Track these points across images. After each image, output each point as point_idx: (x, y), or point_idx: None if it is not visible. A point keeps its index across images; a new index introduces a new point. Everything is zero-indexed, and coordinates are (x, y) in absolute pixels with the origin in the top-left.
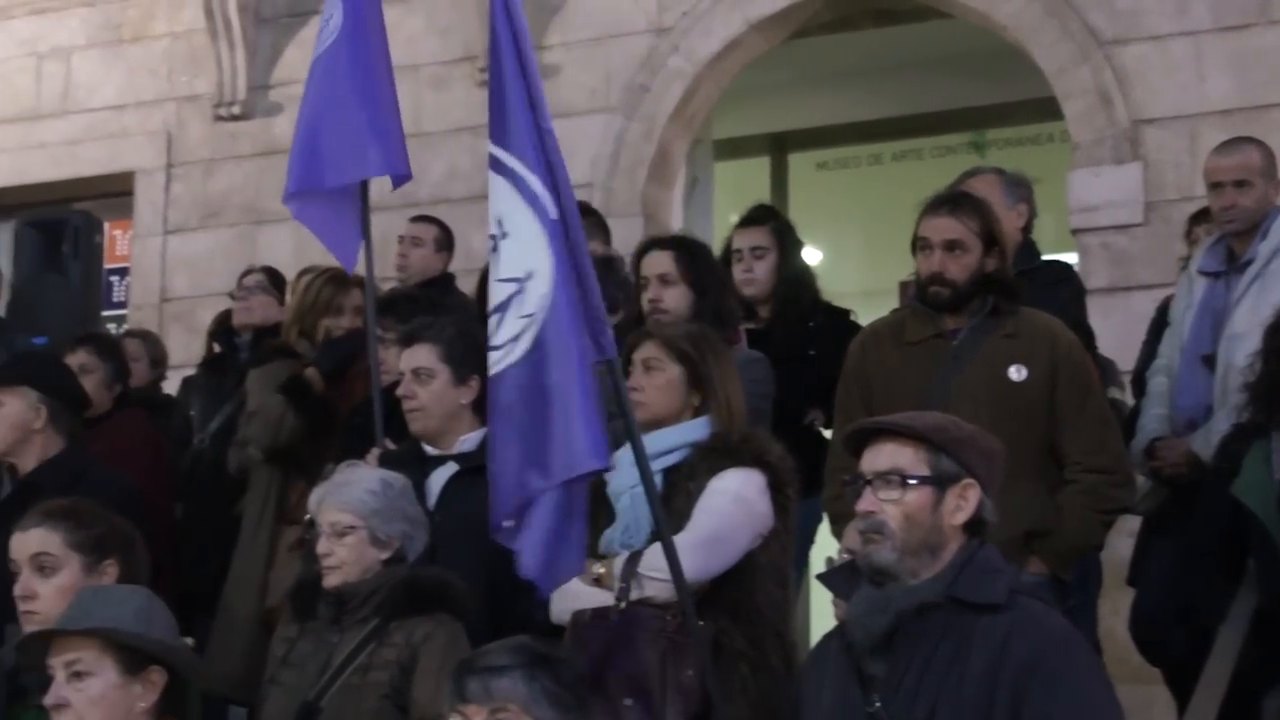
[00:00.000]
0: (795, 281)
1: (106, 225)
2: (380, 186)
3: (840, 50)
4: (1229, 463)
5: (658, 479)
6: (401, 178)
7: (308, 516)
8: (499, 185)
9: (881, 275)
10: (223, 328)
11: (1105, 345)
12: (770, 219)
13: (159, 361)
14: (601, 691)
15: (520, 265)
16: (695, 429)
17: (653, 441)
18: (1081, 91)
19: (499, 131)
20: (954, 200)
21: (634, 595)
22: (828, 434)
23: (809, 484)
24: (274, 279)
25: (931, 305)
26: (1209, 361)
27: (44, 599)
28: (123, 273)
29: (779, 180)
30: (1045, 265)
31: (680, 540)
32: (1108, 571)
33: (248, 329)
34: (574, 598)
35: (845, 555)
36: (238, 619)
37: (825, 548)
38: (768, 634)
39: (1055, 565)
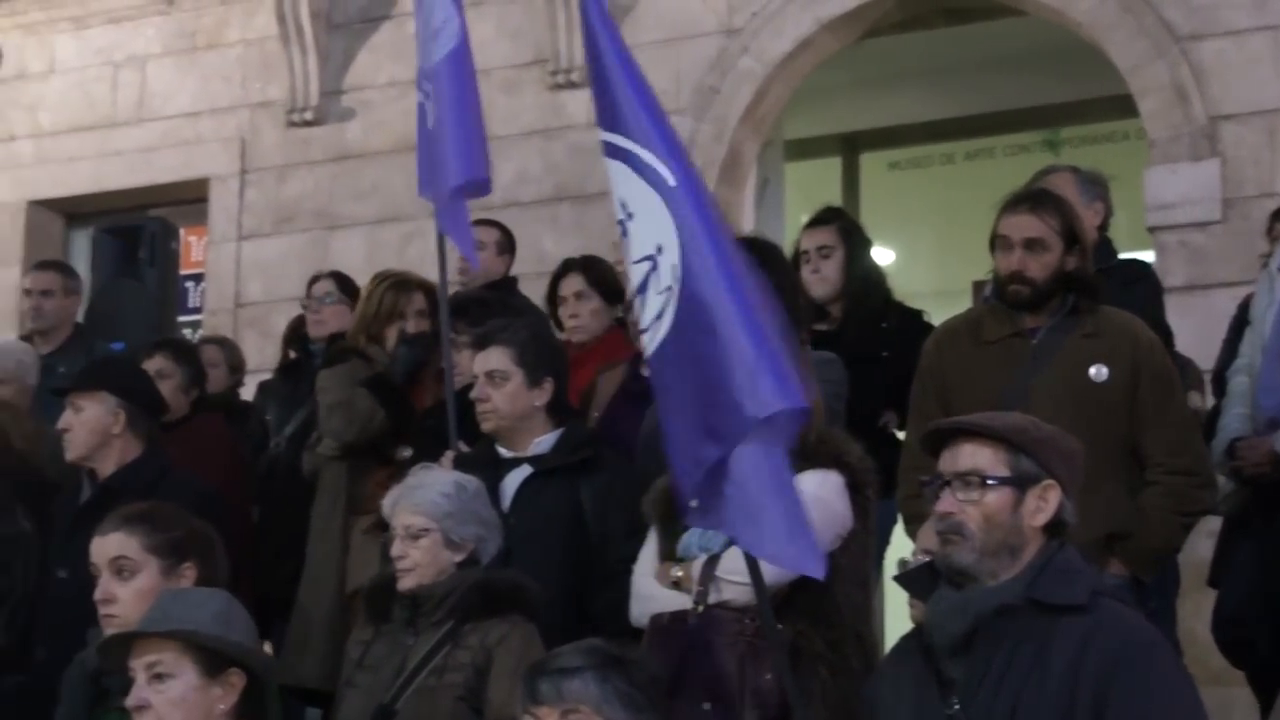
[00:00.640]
0: (863, 280)
1: (182, 231)
2: None
3: (912, 49)
4: None
5: None
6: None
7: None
8: (617, 170)
9: (954, 275)
10: (297, 334)
11: (1183, 344)
12: (836, 219)
13: (237, 368)
14: (680, 695)
15: (649, 242)
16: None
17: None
18: (1157, 88)
19: (608, 118)
20: (1035, 198)
21: (712, 599)
22: (901, 436)
23: (884, 485)
24: (343, 285)
25: (1011, 304)
26: None
27: (123, 602)
28: (198, 279)
29: (850, 181)
30: (1122, 264)
31: None
32: (1187, 573)
33: (322, 340)
34: (652, 601)
35: (921, 556)
36: (315, 613)
37: (899, 549)
38: (847, 637)
39: (1136, 567)
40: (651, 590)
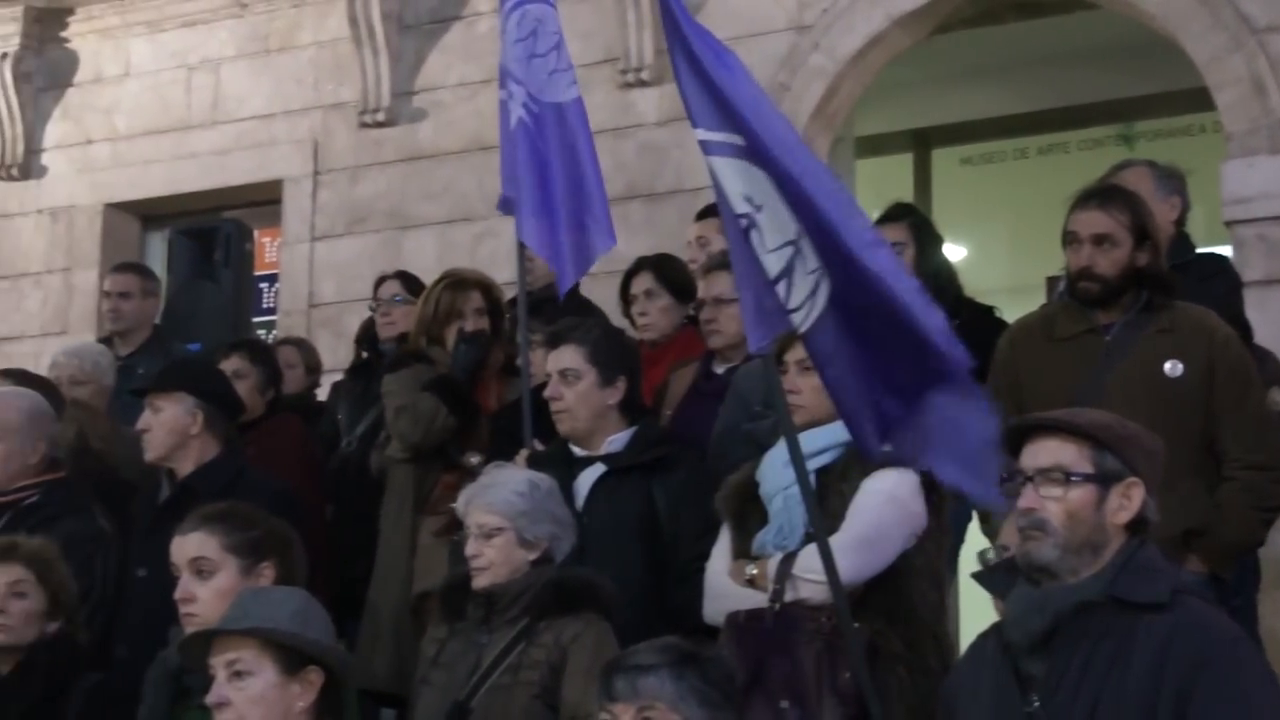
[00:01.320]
0: (934, 277)
1: (256, 233)
2: None
3: (984, 44)
4: None
5: (810, 480)
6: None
7: (454, 505)
8: (728, 166)
9: (1028, 271)
10: (369, 334)
11: (1262, 338)
12: (907, 215)
13: (314, 368)
14: (757, 693)
15: (787, 228)
16: (846, 430)
17: (806, 441)
18: (1234, 81)
19: (705, 116)
20: (1103, 194)
21: (788, 597)
22: None
23: None
24: (410, 285)
25: (1081, 300)
26: None
27: (203, 601)
28: (271, 279)
29: (922, 177)
30: (1200, 259)
31: (835, 541)
32: (1267, 569)
33: (392, 340)
34: (726, 599)
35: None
36: (384, 613)
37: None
38: (925, 636)
39: (1215, 564)
40: (726, 588)
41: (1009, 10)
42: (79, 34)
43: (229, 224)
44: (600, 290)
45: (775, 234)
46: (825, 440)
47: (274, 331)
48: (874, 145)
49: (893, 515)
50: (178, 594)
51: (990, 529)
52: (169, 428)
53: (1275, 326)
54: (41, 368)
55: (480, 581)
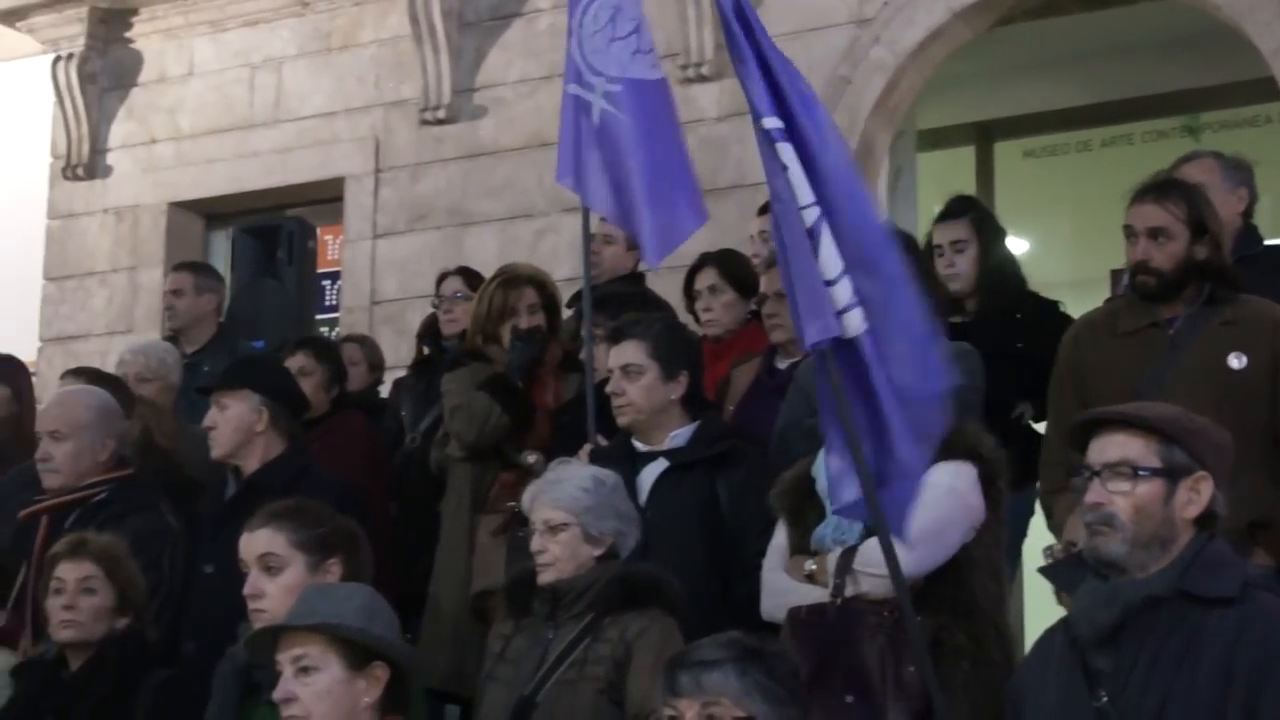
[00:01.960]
0: (998, 272)
1: (318, 230)
2: None
3: (1046, 36)
4: None
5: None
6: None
7: (511, 504)
8: (789, 153)
9: (1092, 264)
10: (431, 330)
11: None
12: (968, 210)
13: (377, 366)
14: (821, 688)
15: None
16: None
17: None
18: None
19: (770, 106)
20: (1160, 187)
21: (849, 592)
22: (1037, 427)
23: (1019, 477)
24: (471, 282)
25: (1140, 294)
26: None
27: (271, 597)
28: (334, 277)
29: (984, 170)
30: (1268, 250)
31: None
32: None
33: (454, 337)
34: (786, 594)
35: (1069, 548)
36: (444, 611)
37: (1039, 541)
38: (987, 628)
39: None
40: (784, 584)
41: (1072, 1)
42: (143, 34)
43: (292, 222)
44: (664, 285)
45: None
46: None
47: (336, 329)
48: (936, 139)
49: (952, 508)
50: (246, 590)
51: (1055, 524)
52: (234, 425)
53: None
54: (108, 366)
55: (546, 577)
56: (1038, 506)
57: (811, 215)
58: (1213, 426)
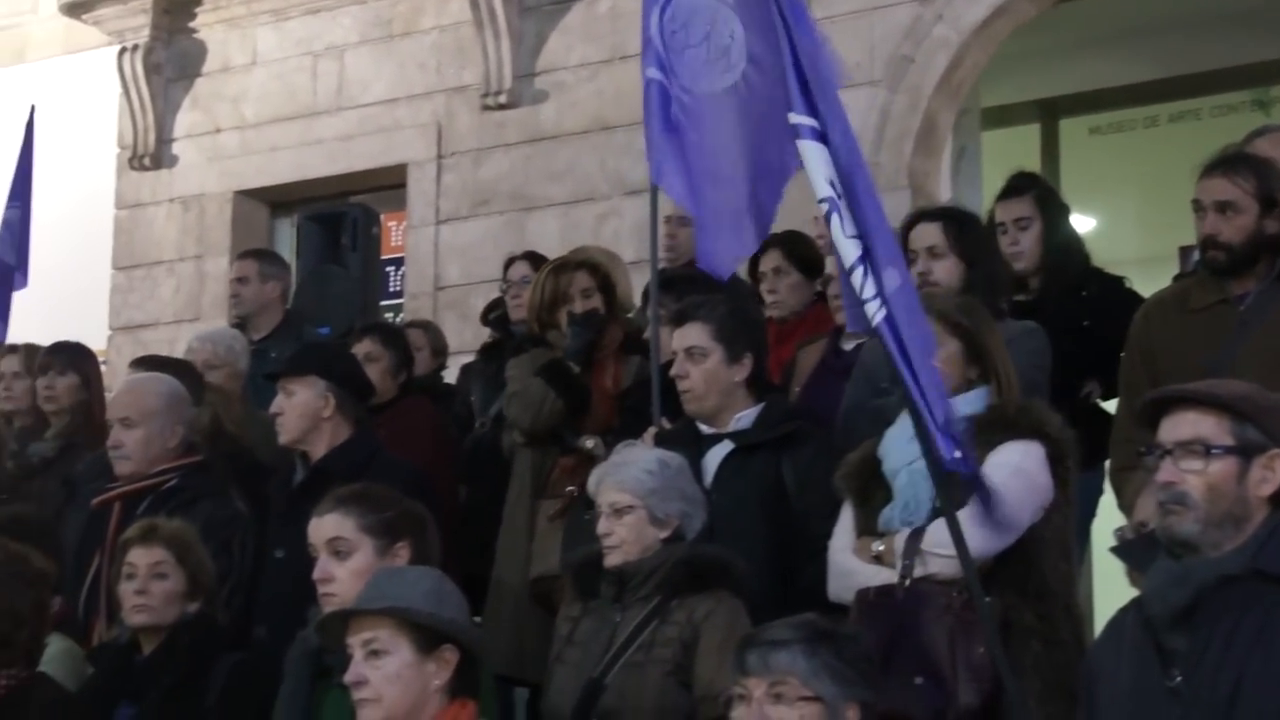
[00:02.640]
0: (1063, 249)
1: (382, 217)
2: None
3: (1112, 10)
4: None
5: None
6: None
7: (570, 489)
8: (812, 150)
9: (1160, 241)
10: (497, 315)
11: None
12: (1031, 187)
13: (440, 351)
14: (890, 670)
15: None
16: (972, 402)
17: None
18: None
19: (801, 102)
20: (1229, 161)
21: (917, 573)
22: (1105, 406)
23: (1088, 456)
24: (537, 266)
25: (1210, 269)
26: None
27: (340, 581)
28: (398, 263)
29: (1050, 147)
30: None
31: (964, 516)
32: None
33: (523, 322)
34: (853, 576)
35: (1140, 529)
36: (505, 596)
37: (1109, 521)
38: (1057, 608)
39: None
40: (851, 565)
41: None
42: (206, 24)
43: (355, 209)
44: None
45: (851, 222)
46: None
47: (400, 315)
48: (1000, 116)
49: (1021, 488)
50: (316, 574)
51: (1125, 503)
52: (301, 411)
53: None
54: (176, 354)
55: (612, 559)
56: (1107, 486)
57: (826, 203)
58: None
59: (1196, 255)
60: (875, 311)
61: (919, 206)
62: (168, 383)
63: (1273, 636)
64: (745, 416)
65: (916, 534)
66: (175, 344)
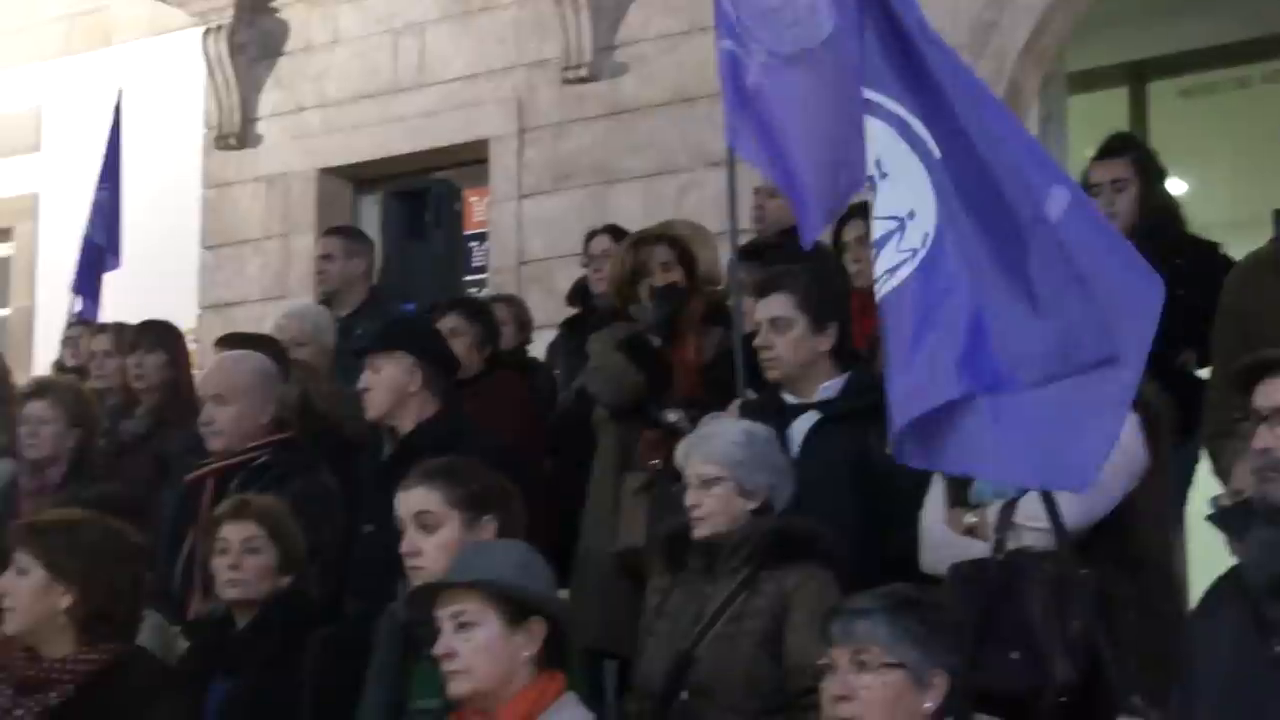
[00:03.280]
0: (1160, 214)
1: (464, 192)
2: None
3: None
4: None
5: None
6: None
7: (654, 462)
8: (876, 128)
9: (1253, 205)
10: (581, 289)
11: None
12: (1129, 149)
13: (525, 325)
14: (986, 643)
15: (901, 205)
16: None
17: None
18: None
19: (875, 76)
20: None
21: (1011, 545)
22: (1200, 374)
23: (1183, 425)
24: (619, 239)
25: None
26: None
27: (427, 555)
28: (481, 238)
29: (1138, 110)
30: None
31: None
32: None
33: (605, 295)
34: (945, 548)
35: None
36: (591, 569)
37: (1204, 490)
38: (1154, 579)
39: None
40: (944, 538)
41: None
42: (288, 4)
43: (438, 184)
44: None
45: (887, 205)
46: None
47: (484, 289)
48: (1087, 80)
49: (1116, 459)
50: (403, 548)
51: (1221, 470)
52: (388, 387)
53: None
54: (264, 332)
55: (700, 531)
56: (1202, 454)
57: (869, 180)
58: None
59: None
60: (879, 288)
61: None
62: (259, 360)
63: None
64: (830, 386)
65: (1009, 506)
66: (263, 321)
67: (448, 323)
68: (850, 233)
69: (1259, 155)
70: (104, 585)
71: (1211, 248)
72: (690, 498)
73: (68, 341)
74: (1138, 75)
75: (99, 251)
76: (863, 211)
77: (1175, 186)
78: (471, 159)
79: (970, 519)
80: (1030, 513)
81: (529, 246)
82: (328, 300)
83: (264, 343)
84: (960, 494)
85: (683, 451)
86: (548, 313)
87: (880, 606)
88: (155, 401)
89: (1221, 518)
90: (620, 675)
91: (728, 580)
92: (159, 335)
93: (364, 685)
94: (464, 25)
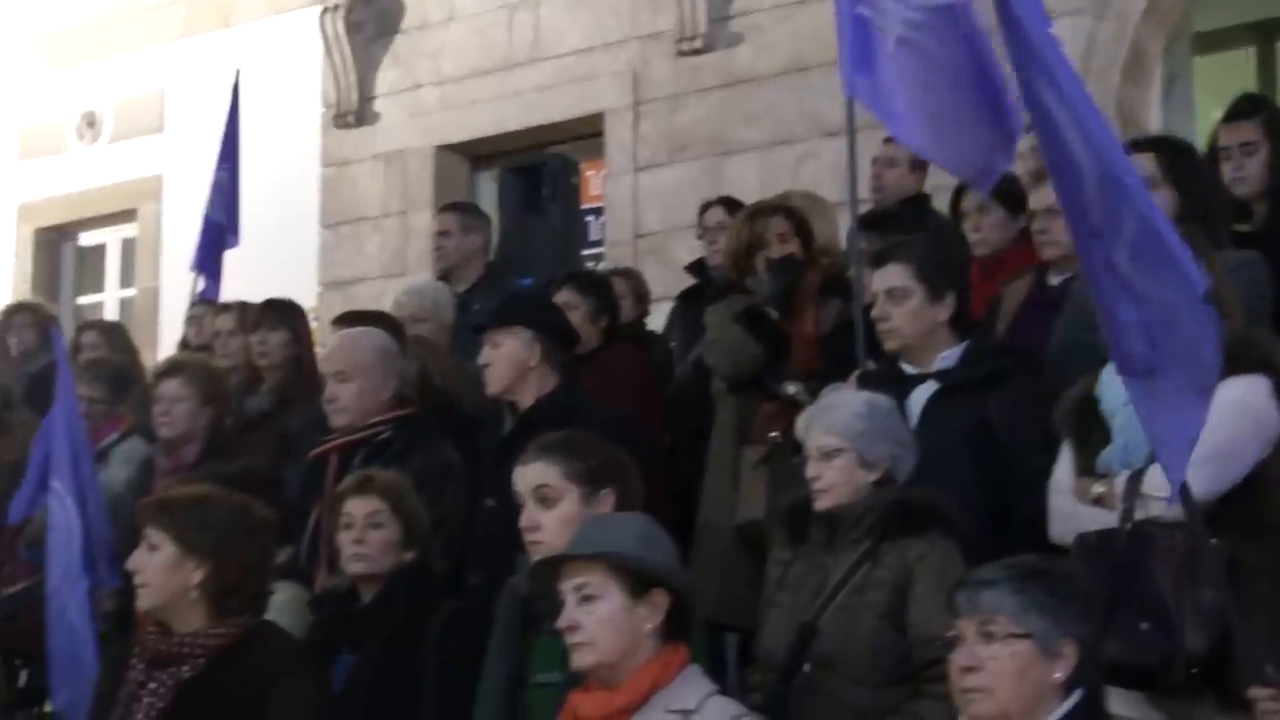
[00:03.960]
0: None
1: (580, 166)
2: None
3: None
4: None
5: None
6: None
7: (773, 434)
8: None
9: None
10: (698, 261)
11: None
12: (1260, 110)
13: (643, 298)
14: (1114, 614)
15: None
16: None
17: None
18: None
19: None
20: None
21: (1139, 515)
22: None
23: None
24: (733, 211)
25: None
26: None
27: (547, 529)
28: (597, 212)
29: (1266, 71)
30: None
31: None
32: None
33: (721, 267)
34: (1074, 519)
35: None
36: (711, 542)
37: None
38: None
39: None
40: (1072, 508)
41: None
42: None
43: (555, 159)
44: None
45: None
46: None
47: (601, 263)
48: (1213, 41)
49: (1246, 425)
50: (522, 522)
51: None
52: (508, 362)
53: None
54: (384, 308)
55: (822, 503)
56: None
57: None
58: None
59: None
60: None
61: (1129, 137)
62: (380, 337)
63: None
64: (949, 356)
65: (1136, 476)
66: (382, 298)
67: (561, 296)
68: (970, 201)
69: None
70: (234, 560)
71: None
72: (811, 470)
73: (191, 321)
74: (1265, 35)
75: (219, 231)
76: None
77: None
78: (587, 133)
79: (1098, 489)
80: (1157, 482)
81: (645, 219)
82: (445, 276)
83: (379, 320)
84: (1088, 462)
85: (803, 423)
86: (665, 285)
87: (1007, 577)
88: (279, 379)
89: None
90: (741, 648)
91: (849, 552)
92: (282, 313)
93: (485, 659)
94: None
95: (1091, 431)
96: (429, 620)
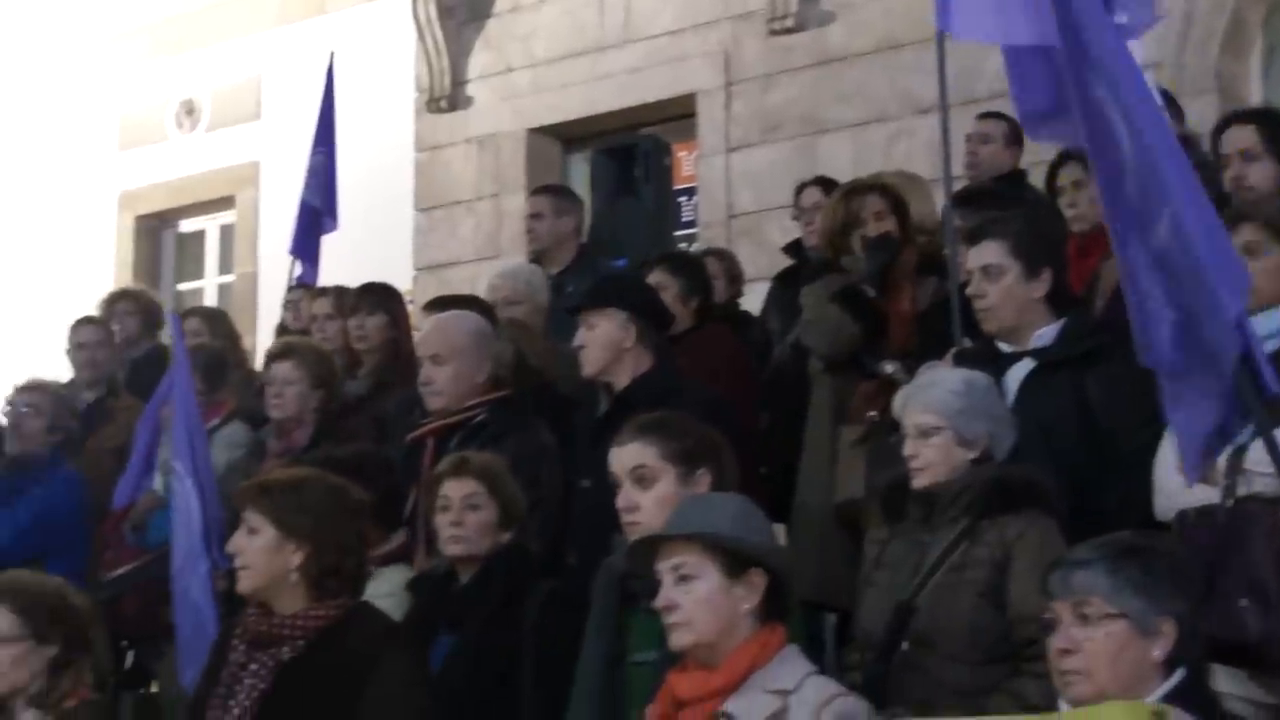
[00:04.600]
0: None
1: (673, 147)
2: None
3: None
4: None
5: None
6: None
7: (871, 414)
8: None
9: None
10: (795, 242)
11: None
12: None
13: (736, 278)
14: (1214, 591)
15: None
16: None
17: (1256, 324)
18: None
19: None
20: None
21: (1241, 491)
22: None
23: None
24: (829, 191)
25: None
26: None
27: (644, 510)
28: (690, 193)
29: None
30: None
31: None
32: None
33: (817, 248)
34: (1178, 495)
35: None
36: (809, 521)
37: None
38: None
39: None
40: (1178, 484)
41: None
42: None
43: (647, 140)
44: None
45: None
46: (1273, 325)
47: (695, 244)
48: None
49: None
50: (620, 503)
51: None
52: (603, 343)
53: None
54: (478, 292)
55: (920, 481)
56: None
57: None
58: None
59: None
60: None
61: (1228, 109)
62: (474, 320)
63: None
64: (1046, 333)
65: (1238, 452)
66: (476, 282)
67: (654, 277)
68: (1066, 176)
69: None
70: (332, 541)
71: None
72: (909, 448)
73: (289, 305)
74: None
75: (316, 215)
76: (1073, 155)
77: None
78: (679, 114)
79: None
80: (1260, 458)
81: (738, 200)
82: (538, 258)
83: (470, 303)
84: None
85: (901, 402)
86: (758, 266)
87: (1100, 556)
88: (376, 363)
89: None
90: (839, 628)
91: (947, 530)
92: (379, 297)
93: (583, 638)
94: None
95: None
96: (526, 601)
